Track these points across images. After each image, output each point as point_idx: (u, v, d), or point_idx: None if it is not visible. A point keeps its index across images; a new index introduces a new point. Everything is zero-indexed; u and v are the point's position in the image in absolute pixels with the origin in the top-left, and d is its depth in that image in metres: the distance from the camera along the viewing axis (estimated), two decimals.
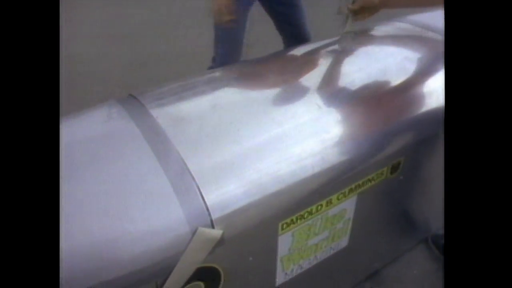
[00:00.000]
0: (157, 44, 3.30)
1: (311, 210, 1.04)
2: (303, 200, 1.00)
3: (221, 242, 0.88)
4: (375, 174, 1.14)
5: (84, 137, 0.99)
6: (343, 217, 1.16)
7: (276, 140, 1.02)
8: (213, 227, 0.87)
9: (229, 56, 1.77)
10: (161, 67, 2.99)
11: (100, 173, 0.90)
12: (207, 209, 0.87)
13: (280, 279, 1.13)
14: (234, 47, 1.78)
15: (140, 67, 3.03)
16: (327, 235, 1.16)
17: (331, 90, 1.20)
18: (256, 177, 0.93)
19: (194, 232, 0.85)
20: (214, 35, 1.76)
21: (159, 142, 0.96)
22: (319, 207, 1.06)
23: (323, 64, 1.33)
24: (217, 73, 1.34)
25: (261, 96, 1.16)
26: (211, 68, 1.78)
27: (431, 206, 1.47)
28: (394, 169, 1.19)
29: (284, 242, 1.04)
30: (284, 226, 1.01)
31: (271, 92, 1.17)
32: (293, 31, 1.89)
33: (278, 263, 1.08)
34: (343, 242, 1.24)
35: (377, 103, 1.18)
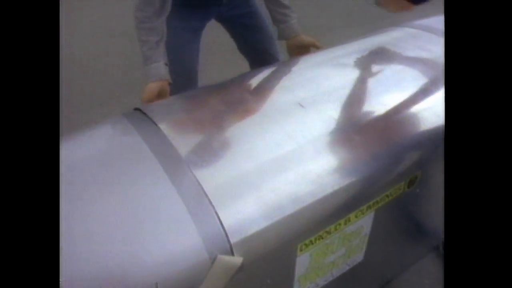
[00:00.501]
0: None
1: (330, 229, 1.00)
2: (322, 220, 0.97)
3: (240, 268, 0.84)
4: (392, 190, 1.11)
5: (89, 157, 0.95)
6: (360, 233, 1.13)
7: (292, 156, 0.98)
8: (232, 253, 0.83)
9: (179, 91, 1.58)
10: None
11: (108, 197, 0.85)
12: (226, 234, 0.83)
13: None
14: (181, 80, 1.58)
15: (139, 65, 2.97)
16: (344, 252, 1.12)
17: (346, 105, 1.16)
18: (274, 198, 0.89)
19: (213, 260, 0.81)
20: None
21: (171, 162, 0.91)
22: (338, 226, 1.02)
23: (334, 77, 1.29)
24: (225, 86, 1.29)
25: (272, 109, 1.12)
26: None
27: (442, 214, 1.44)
28: (411, 183, 1.16)
29: (302, 262, 1.01)
30: (303, 247, 0.97)
31: (282, 106, 1.13)
32: (257, 55, 1.74)
33: (295, 283, 1.05)
34: (359, 257, 1.20)
35: (395, 116, 1.14)
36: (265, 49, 1.73)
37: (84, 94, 2.48)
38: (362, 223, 1.10)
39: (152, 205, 0.84)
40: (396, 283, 1.52)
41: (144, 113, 1.08)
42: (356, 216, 1.05)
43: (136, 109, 1.12)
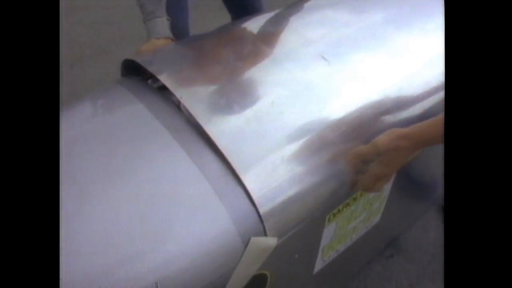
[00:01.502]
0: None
1: (356, 195, 0.94)
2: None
3: (274, 249, 0.77)
4: None
5: (93, 136, 0.83)
6: (380, 195, 1.08)
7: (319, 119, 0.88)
8: (265, 234, 0.76)
9: None
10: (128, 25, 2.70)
11: (122, 183, 0.75)
12: (259, 215, 0.75)
13: (318, 267, 1.05)
14: (178, 34, 1.41)
15: (109, 23, 2.73)
16: (365, 216, 1.08)
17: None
18: (306, 171, 0.81)
19: (246, 243, 0.73)
20: None
21: (188, 134, 0.81)
22: (363, 191, 0.96)
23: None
24: (228, 32, 1.14)
25: (300, 70, 0.98)
26: None
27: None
28: None
29: (328, 232, 0.95)
30: (331, 217, 0.91)
31: (302, 58, 1.00)
32: (243, 11, 1.59)
33: (319, 253, 1.00)
34: (376, 219, 1.17)
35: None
36: (251, 5, 1.60)
37: None
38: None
39: (173, 188, 0.74)
40: (403, 239, 1.51)
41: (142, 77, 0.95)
42: None
43: (129, 60, 0.97)
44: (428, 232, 1.54)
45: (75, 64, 2.32)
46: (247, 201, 0.74)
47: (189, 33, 1.52)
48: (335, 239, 1.01)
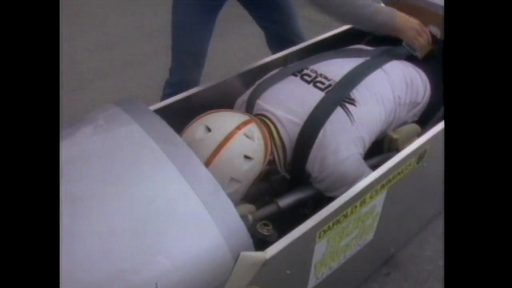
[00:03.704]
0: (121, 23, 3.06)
1: (347, 213, 0.96)
2: (340, 204, 0.92)
3: (264, 263, 0.79)
4: (404, 166, 1.08)
5: (90, 153, 0.86)
6: (372, 213, 1.09)
7: None
8: (255, 249, 0.78)
9: (186, 68, 1.50)
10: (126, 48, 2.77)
11: (118, 200, 0.77)
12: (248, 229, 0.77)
13: (311, 284, 1.06)
14: (192, 59, 1.50)
15: (110, 46, 2.80)
16: (357, 233, 1.09)
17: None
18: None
19: (236, 258, 0.75)
20: (171, 44, 1.49)
21: (179, 153, 0.84)
22: (354, 209, 0.98)
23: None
24: None
25: None
26: (167, 82, 1.53)
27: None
28: (420, 158, 1.13)
29: (319, 249, 0.97)
30: (321, 234, 0.93)
31: None
32: (277, 31, 1.61)
33: (312, 270, 1.01)
34: (369, 237, 1.18)
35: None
36: (289, 27, 1.61)
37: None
38: (376, 203, 1.06)
39: (165, 205, 0.77)
40: (400, 257, 1.51)
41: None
42: (370, 197, 1.02)
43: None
44: (425, 250, 1.54)
45: (76, 88, 2.37)
46: (236, 216, 0.77)
47: (205, 56, 1.53)
48: (327, 256, 1.03)
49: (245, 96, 1.21)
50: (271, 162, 1.08)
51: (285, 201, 1.07)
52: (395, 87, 1.18)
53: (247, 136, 0.97)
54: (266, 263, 0.80)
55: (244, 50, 2.59)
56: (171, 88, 1.50)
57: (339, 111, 1.06)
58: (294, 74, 1.18)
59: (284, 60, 1.41)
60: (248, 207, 1.02)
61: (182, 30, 1.43)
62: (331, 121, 1.04)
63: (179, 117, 1.01)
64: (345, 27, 1.57)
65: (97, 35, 2.93)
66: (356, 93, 1.11)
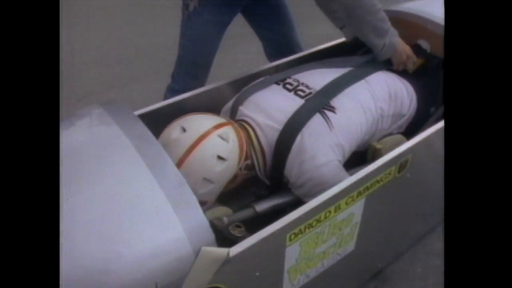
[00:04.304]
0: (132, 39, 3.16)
1: (320, 217, 0.96)
2: (311, 208, 0.92)
3: (227, 260, 0.79)
4: (383, 175, 1.07)
5: (66, 149, 0.88)
6: (350, 221, 1.09)
7: None
8: (217, 243, 0.78)
9: (192, 78, 1.54)
10: (139, 63, 2.85)
11: (82, 190, 0.79)
12: (210, 222, 0.78)
13: None
14: (199, 70, 1.56)
15: (119, 60, 2.88)
16: (335, 241, 1.08)
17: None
18: None
19: (197, 253, 0.76)
20: (179, 54, 1.55)
21: (150, 151, 0.86)
22: (328, 214, 0.98)
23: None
24: None
25: None
26: (169, 87, 1.58)
27: (435, 200, 1.41)
28: (402, 167, 1.12)
29: (292, 253, 0.96)
30: (292, 237, 0.93)
31: None
32: (277, 41, 1.66)
33: (285, 275, 1.00)
34: (350, 247, 1.17)
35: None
36: (289, 37, 1.66)
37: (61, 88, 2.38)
38: (353, 210, 1.06)
39: (130, 198, 0.78)
40: (389, 272, 1.48)
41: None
42: (346, 203, 1.01)
43: None
44: (415, 266, 1.51)
45: (82, 98, 2.44)
46: (199, 210, 0.77)
47: (211, 65, 1.58)
48: (302, 262, 1.02)
49: (230, 103, 1.23)
50: (251, 168, 1.09)
51: (262, 206, 1.08)
52: (377, 98, 1.19)
53: (221, 138, 0.99)
54: (230, 260, 0.80)
55: (247, 65, 2.64)
56: (173, 93, 1.55)
57: (317, 117, 1.07)
58: (277, 83, 1.20)
59: (276, 70, 1.43)
60: (224, 210, 1.03)
61: (193, 43, 1.50)
62: (309, 127, 1.05)
63: (169, 121, 1.04)
64: (341, 39, 1.60)
65: (106, 49, 3.03)
66: (336, 101, 1.12)
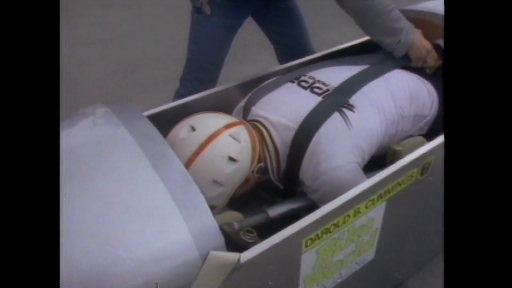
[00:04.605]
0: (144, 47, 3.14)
1: (338, 222, 0.89)
2: (328, 211, 0.85)
3: (237, 267, 0.72)
4: (405, 177, 1.00)
5: (68, 147, 0.83)
6: (370, 227, 1.01)
7: None
8: (227, 249, 0.71)
9: (200, 83, 1.47)
10: (150, 72, 2.82)
11: (84, 190, 0.73)
12: (220, 227, 0.71)
13: None
14: (207, 75, 1.50)
15: (125, 73, 2.86)
16: (353, 249, 1.01)
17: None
18: None
19: (205, 258, 0.69)
20: (188, 58, 1.51)
21: (155, 148, 0.80)
22: (346, 218, 0.91)
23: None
24: None
25: None
26: (177, 92, 1.53)
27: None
28: (424, 170, 1.05)
29: (308, 260, 0.89)
30: (308, 242, 0.86)
31: None
32: (289, 44, 1.60)
33: (301, 285, 0.93)
34: (369, 255, 1.09)
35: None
36: (301, 40, 1.61)
37: (68, 100, 2.35)
38: (373, 215, 0.98)
39: (133, 198, 0.72)
40: (409, 284, 1.39)
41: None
42: (366, 207, 0.94)
43: None
44: (437, 278, 1.42)
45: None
46: (207, 211, 0.71)
47: (219, 71, 1.53)
48: (318, 270, 0.94)
49: (242, 103, 1.18)
50: (264, 171, 1.03)
51: (275, 211, 1.01)
52: (396, 97, 1.12)
53: (233, 137, 0.93)
54: (240, 267, 0.73)
55: None
56: (181, 98, 1.50)
57: (335, 116, 1.01)
58: (292, 81, 1.15)
59: (287, 71, 1.37)
60: (235, 214, 0.96)
61: (202, 47, 1.46)
62: (327, 126, 0.99)
63: (175, 124, 0.99)
64: (355, 41, 1.54)
65: (116, 60, 3.01)
66: (354, 99, 1.05)
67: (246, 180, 0.98)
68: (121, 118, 0.89)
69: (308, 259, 0.89)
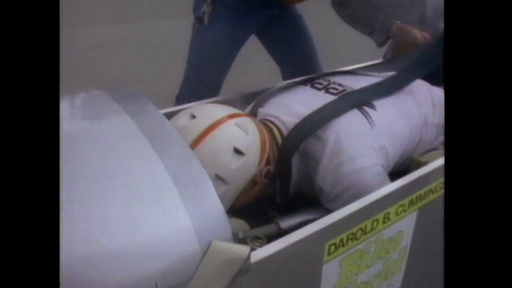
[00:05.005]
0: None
1: (365, 227, 0.74)
2: (357, 211, 0.71)
3: (246, 267, 0.57)
4: (437, 183, 0.86)
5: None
6: (399, 243, 0.85)
7: None
8: (236, 240, 0.56)
9: (198, 100, 1.32)
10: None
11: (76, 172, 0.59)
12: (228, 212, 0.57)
13: None
14: (206, 91, 1.38)
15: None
16: (380, 269, 0.84)
17: None
18: None
19: (206, 249, 0.54)
20: (186, 73, 1.41)
21: (149, 120, 0.67)
22: (375, 224, 0.76)
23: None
24: None
25: None
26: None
27: None
28: None
29: (330, 273, 0.73)
30: (331, 249, 0.70)
31: None
32: (296, 65, 1.51)
33: None
34: (397, 281, 0.92)
35: None
36: (309, 60, 1.51)
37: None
38: (403, 226, 0.83)
39: (118, 170, 0.58)
40: None
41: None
42: (396, 214, 0.79)
43: None
44: None
45: None
46: (213, 192, 0.57)
47: (220, 88, 1.43)
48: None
49: (249, 108, 1.06)
50: (273, 176, 0.89)
51: (288, 222, 0.85)
52: (420, 104, 1.01)
53: (239, 127, 0.80)
54: (250, 269, 0.57)
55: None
56: None
57: (355, 112, 0.89)
58: (304, 84, 1.04)
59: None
60: (240, 223, 0.81)
61: (203, 60, 1.37)
62: (345, 123, 0.87)
63: None
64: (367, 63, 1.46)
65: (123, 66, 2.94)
66: (375, 101, 0.94)
67: (253, 184, 0.83)
68: (115, 98, 0.76)
69: (331, 271, 0.72)
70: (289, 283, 0.66)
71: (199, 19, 1.32)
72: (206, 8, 1.28)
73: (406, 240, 0.87)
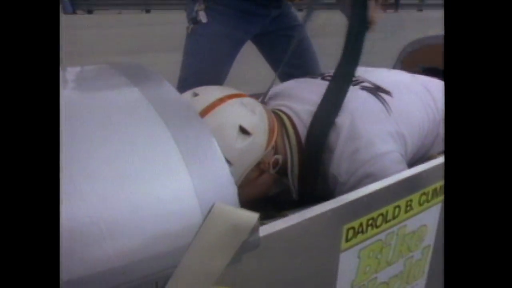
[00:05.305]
0: None
1: (386, 212, 0.66)
2: (377, 191, 0.63)
3: (255, 241, 0.48)
4: None
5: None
6: (422, 239, 0.77)
7: None
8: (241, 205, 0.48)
9: None
10: None
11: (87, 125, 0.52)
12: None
13: None
14: None
15: None
16: (401, 269, 0.75)
17: None
18: None
19: (208, 212, 0.46)
20: (181, 74, 1.33)
21: (152, 84, 0.61)
22: (396, 211, 0.67)
23: None
24: None
25: None
26: None
27: None
28: None
29: (347, 265, 0.64)
30: (350, 234, 0.61)
31: None
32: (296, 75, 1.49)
33: None
34: (419, 286, 0.82)
35: None
36: (310, 69, 1.43)
37: None
38: (426, 219, 0.75)
39: (124, 135, 0.51)
40: None
41: None
42: (419, 203, 0.71)
43: None
44: None
45: None
46: (217, 151, 0.49)
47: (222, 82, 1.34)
48: (357, 285, 0.68)
49: None
50: (281, 166, 0.81)
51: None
52: (436, 99, 0.95)
53: (246, 106, 0.74)
54: (258, 243, 0.49)
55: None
56: None
57: (370, 97, 0.83)
58: (314, 77, 0.98)
59: None
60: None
61: (201, 59, 1.28)
62: (361, 107, 0.80)
63: None
64: None
65: None
66: (391, 87, 0.88)
67: (260, 172, 0.76)
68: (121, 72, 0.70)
69: (348, 263, 0.64)
70: (303, 270, 0.57)
71: (193, 20, 1.27)
72: (198, 6, 1.23)
73: (429, 238, 0.78)
